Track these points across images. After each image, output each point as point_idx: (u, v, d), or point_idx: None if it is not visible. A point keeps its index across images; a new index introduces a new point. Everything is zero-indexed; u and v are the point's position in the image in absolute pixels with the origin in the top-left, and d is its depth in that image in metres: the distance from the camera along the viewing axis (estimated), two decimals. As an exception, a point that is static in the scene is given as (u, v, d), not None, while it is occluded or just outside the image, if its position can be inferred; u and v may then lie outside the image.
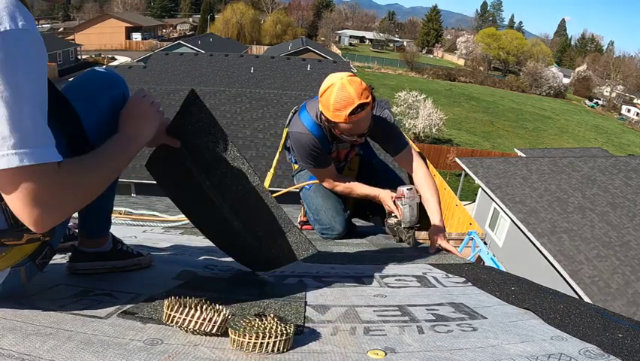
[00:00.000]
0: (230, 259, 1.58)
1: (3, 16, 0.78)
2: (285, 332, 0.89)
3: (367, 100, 2.00)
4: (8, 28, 0.78)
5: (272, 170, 2.76)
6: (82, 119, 1.15)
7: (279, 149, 2.78)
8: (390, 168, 2.89)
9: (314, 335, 0.99)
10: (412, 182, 2.44)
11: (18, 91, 0.80)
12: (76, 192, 0.95)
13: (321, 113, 2.15)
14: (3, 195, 0.88)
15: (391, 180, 2.58)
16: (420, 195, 2.27)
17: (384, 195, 2.38)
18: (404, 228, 2.29)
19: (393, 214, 2.39)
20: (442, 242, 2.14)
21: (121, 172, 1.14)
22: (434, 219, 2.24)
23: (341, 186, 2.51)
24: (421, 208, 2.28)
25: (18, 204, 0.86)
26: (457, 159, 16.62)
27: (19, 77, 0.81)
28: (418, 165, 2.39)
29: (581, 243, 10.51)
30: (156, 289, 1.25)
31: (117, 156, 1.09)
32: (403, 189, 2.25)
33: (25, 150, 0.82)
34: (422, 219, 2.27)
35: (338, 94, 1.98)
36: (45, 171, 0.86)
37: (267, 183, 2.44)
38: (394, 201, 2.32)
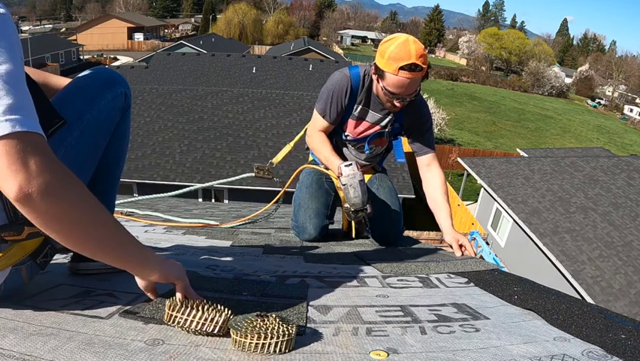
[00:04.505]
0: (231, 258, 1.57)
1: None
2: (287, 332, 0.89)
3: (423, 65, 1.95)
4: None
5: (292, 144, 2.64)
6: (81, 116, 1.16)
7: (306, 127, 2.57)
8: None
9: (316, 336, 0.98)
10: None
11: (7, 65, 0.81)
12: (60, 197, 0.83)
13: (373, 64, 2.08)
14: None
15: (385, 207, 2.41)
16: (363, 173, 2.09)
17: (333, 170, 2.17)
18: (350, 211, 2.09)
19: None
20: (464, 244, 2.09)
21: (89, 247, 0.91)
22: (446, 225, 2.18)
23: (318, 141, 2.29)
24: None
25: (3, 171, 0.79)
26: (459, 159, 16.62)
27: (7, 53, 0.82)
28: (438, 173, 2.30)
29: (583, 243, 10.49)
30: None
31: (116, 240, 0.98)
32: (340, 166, 2.07)
33: (16, 117, 0.79)
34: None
35: (399, 46, 1.94)
36: (34, 141, 0.81)
37: (280, 156, 2.40)
38: (339, 178, 2.11)
